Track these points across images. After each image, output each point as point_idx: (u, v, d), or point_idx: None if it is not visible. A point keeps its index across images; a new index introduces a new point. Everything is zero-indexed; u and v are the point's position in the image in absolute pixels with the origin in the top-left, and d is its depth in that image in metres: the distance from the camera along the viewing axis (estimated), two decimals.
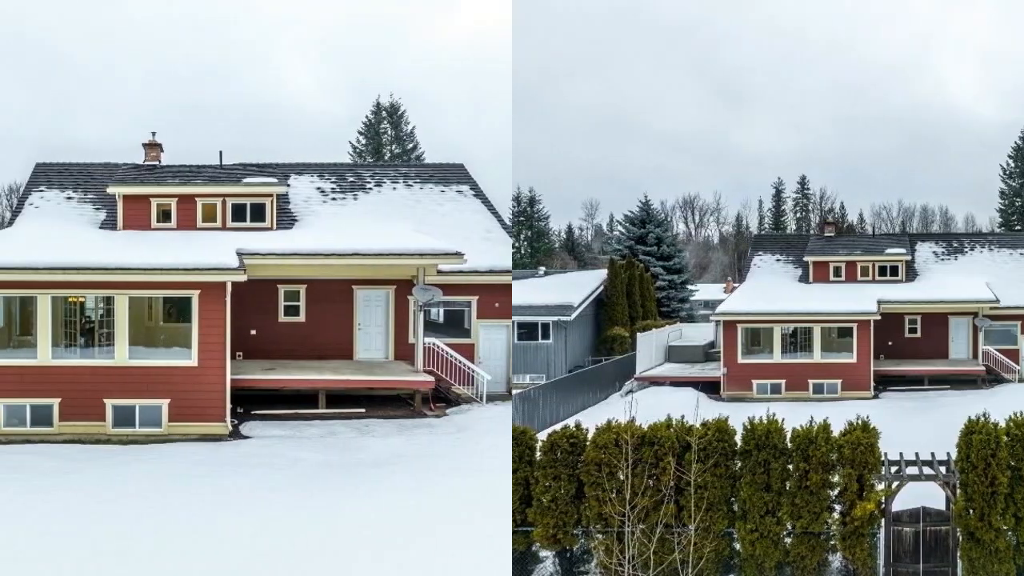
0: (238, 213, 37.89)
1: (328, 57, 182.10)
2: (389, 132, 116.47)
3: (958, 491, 20.60)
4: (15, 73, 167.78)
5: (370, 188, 42.47)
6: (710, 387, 49.32)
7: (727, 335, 49.86)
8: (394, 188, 43.23)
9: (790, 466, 21.00)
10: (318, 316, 38.17)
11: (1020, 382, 51.60)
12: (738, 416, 22.76)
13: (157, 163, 42.54)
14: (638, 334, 50.35)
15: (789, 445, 21.09)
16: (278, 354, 37.01)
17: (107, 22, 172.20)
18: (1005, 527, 20.14)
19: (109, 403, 30.14)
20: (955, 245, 64.45)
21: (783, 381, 48.89)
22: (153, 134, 43.66)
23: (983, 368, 51.80)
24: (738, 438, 21.76)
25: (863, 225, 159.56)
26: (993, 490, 19.89)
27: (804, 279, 59.65)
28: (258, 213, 37.97)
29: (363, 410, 33.33)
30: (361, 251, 33.67)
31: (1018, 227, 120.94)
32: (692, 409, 23.59)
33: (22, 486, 23.35)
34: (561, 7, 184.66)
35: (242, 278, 30.97)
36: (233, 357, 32.36)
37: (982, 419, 20.84)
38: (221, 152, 41.30)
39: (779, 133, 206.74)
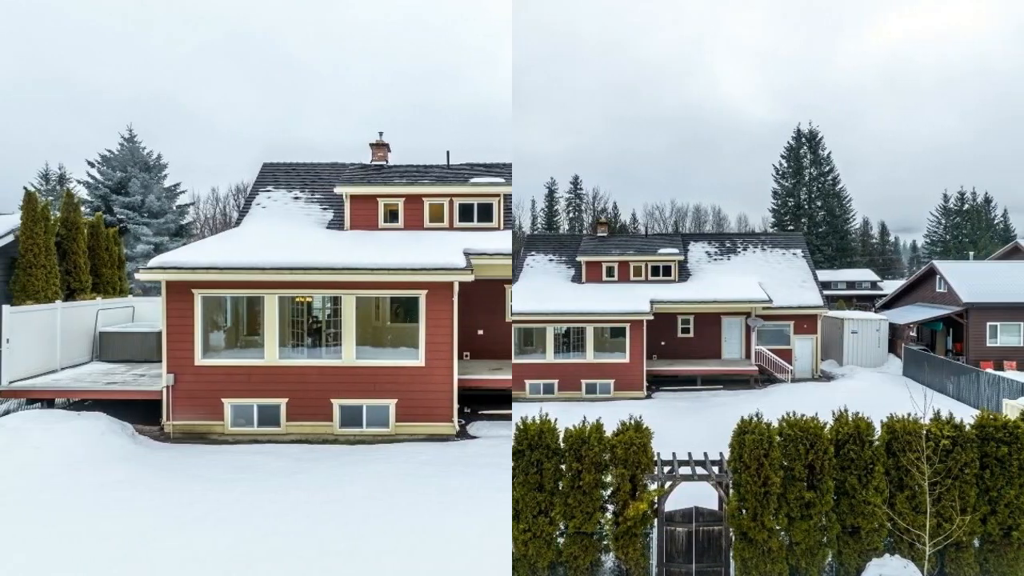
0: (465, 213, 37.39)
1: None
2: None
3: (731, 491, 20.38)
4: (243, 75, 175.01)
5: None
6: None
7: None
8: None
9: (563, 466, 20.40)
10: None
11: (793, 382, 51.42)
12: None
13: (384, 163, 42.57)
14: None
15: (562, 445, 20.43)
16: (505, 354, 36.45)
17: (334, 23, 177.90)
18: (778, 527, 19.95)
19: (336, 403, 29.86)
20: (728, 245, 64.12)
21: (556, 381, 48.58)
22: (380, 134, 43.75)
23: (756, 368, 51.48)
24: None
25: (636, 225, 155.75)
26: (766, 490, 19.75)
27: (577, 279, 58.75)
28: (485, 213, 37.37)
29: None
30: None
31: (791, 227, 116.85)
32: None
33: (250, 486, 23.09)
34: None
35: (469, 278, 30.25)
36: (460, 357, 31.86)
37: (755, 419, 20.58)
38: (448, 152, 41.13)
39: (552, 133, 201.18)
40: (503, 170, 39.95)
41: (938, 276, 62.92)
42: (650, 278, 57.02)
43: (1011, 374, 47.68)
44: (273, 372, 30.07)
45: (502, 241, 33.87)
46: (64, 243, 38.89)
